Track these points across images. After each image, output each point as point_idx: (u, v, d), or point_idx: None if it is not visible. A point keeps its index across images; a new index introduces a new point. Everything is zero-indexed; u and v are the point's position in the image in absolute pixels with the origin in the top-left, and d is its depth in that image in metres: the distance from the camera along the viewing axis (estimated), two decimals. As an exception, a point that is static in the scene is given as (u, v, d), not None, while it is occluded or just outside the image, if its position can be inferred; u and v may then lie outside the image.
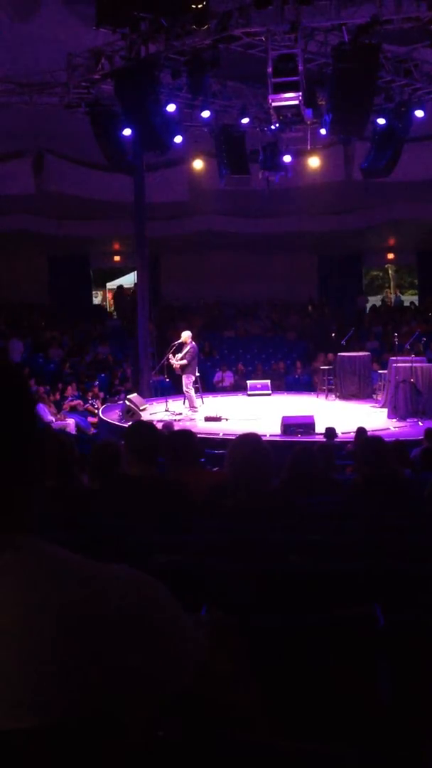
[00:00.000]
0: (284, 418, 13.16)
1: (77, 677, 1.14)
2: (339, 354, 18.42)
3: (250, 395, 18.95)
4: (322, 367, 19.05)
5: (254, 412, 15.71)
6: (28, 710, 1.12)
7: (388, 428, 13.52)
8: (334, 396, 18.02)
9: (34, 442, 1.28)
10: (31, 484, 1.27)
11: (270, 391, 19.15)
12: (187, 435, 5.41)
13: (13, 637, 1.13)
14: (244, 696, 1.36)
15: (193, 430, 12.95)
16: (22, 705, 1.12)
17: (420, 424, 13.85)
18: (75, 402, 18.42)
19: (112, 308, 29.90)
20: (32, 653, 1.13)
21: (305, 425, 12.93)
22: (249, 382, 19.69)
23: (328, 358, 19.47)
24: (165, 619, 1.26)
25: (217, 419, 14.72)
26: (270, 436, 12.02)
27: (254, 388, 19.24)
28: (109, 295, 31.64)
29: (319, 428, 12.50)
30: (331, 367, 18.56)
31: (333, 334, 20.24)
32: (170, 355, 15.61)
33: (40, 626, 1.14)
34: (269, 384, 19.43)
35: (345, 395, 17.80)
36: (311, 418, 13.14)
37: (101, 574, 1.23)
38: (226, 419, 14.77)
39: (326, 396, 18.14)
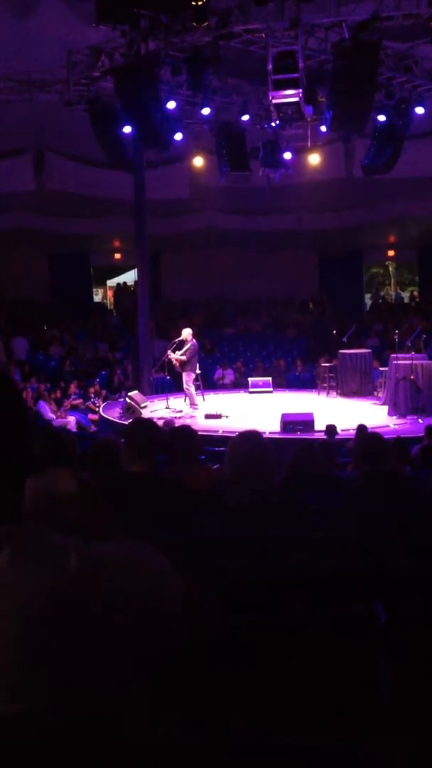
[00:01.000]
0: (284, 416, 13.16)
1: (77, 656, 1.14)
2: (340, 351, 18.39)
3: (251, 392, 18.93)
4: (323, 365, 19.03)
5: (254, 410, 15.72)
6: (32, 695, 1.12)
7: (388, 425, 13.52)
8: (335, 393, 18.01)
9: (26, 435, 1.30)
10: (28, 475, 1.29)
11: (271, 389, 19.13)
12: (187, 432, 5.40)
13: (12, 620, 1.14)
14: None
15: (194, 427, 12.98)
16: (19, 689, 1.12)
17: (420, 421, 13.84)
18: (77, 401, 18.43)
19: (113, 305, 29.90)
20: (36, 636, 1.13)
21: (305, 422, 12.92)
22: (250, 380, 19.67)
23: (331, 362, 19.40)
24: (168, 593, 1.27)
25: (217, 416, 14.73)
26: (269, 433, 12.02)
27: (256, 385, 19.22)
28: (109, 293, 31.61)
29: (320, 425, 12.49)
30: (332, 364, 18.54)
31: (334, 331, 20.22)
32: (170, 352, 15.63)
33: (39, 608, 1.15)
34: (271, 381, 19.41)
35: (346, 392, 17.79)
36: (311, 415, 13.14)
37: (102, 553, 1.24)
38: (226, 416, 14.77)
39: (327, 393, 18.13)
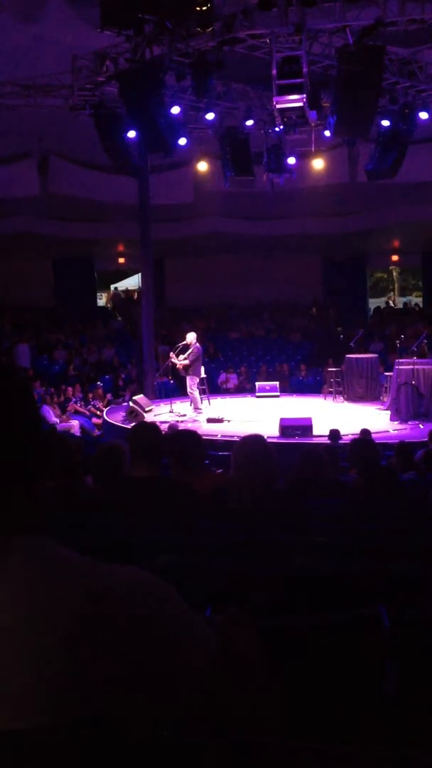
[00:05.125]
0: (282, 420, 13.14)
1: (85, 677, 1.14)
2: (347, 356, 18.37)
3: (258, 397, 18.87)
4: (329, 369, 18.99)
5: (258, 414, 15.69)
6: (35, 710, 1.12)
7: (388, 431, 13.50)
8: (341, 398, 17.97)
9: (39, 443, 1.28)
10: (39, 486, 1.27)
11: (278, 393, 19.05)
12: (191, 436, 5.40)
13: (23, 637, 1.14)
14: (261, 693, 1.36)
15: (197, 431, 13.00)
16: (30, 705, 1.12)
17: (421, 426, 13.83)
18: (77, 405, 18.46)
19: (110, 307, 29.88)
20: (41, 653, 1.13)
21: (303, 427, 12.90)
22: (257, 384, 19.57)
23: (337, 367, 19.32)
24: (174, 620, 1.26)
25: (219, 420, 14.73)
26: (268, 437, 11.98)
27: (263, 389, 19.11)
28: (105, 297, 31.57)
29: (324, 430, 12.47)
30: (339, 369, 18.49)
31: (341, 336, 20.20)
32: (173, 355, 15.63)
33: (50, 627, 1.14)
34: (278, 386, 19.32)
35: (352, 397, 17.74)
36: (309, 420, 13.11)
37: (110, 575, 1.24)
38: (228, 421, 14.77)
39: (334, 398, 18.09)
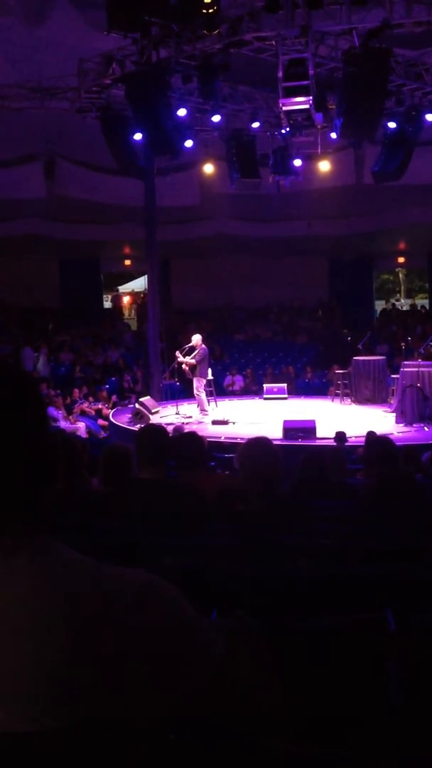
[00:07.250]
0: (285, 422, 13.10)
1: (90, 677, 1.14)
2: (354, 358, 18.32)
3: (266, 399, 18.83)
4: (337, 371, 18.94)
5: (264, 416, 15.66)
6: (40, 711, 1.12)
7: (392, 433, 13.44)
8: (349, 400, 17.92)
9: (47, 445, 1.29)
10: (46, 488, 1.28)
11: (286, 395, 19.00)
12: (191, 438, 5.40)
13: (29, 637, 1.14)
14: (267, 696, 1.36)
15: (202, 433, 12.99)
16: (35, 705, 1.13)
17: (426, 429, 13.79)
18: (84, 405, 18.47)
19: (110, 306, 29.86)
20: (47, 653, 1.14)
21: (306, 429, 12.85)
22: (265, 386, 19.53)
23: (344, 369, 19.26)
24: (179, 622, 1.26)
25: (224, 422, 14.72)
26: (273, 440, 11.93)
27: (270, 391, 19.04)
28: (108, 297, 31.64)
29: (331, 432, 12.44)
30: (346, 371, 18.43)
31: (349, 338, 20.14)
32: (179, 355, 15.62)
33: (55, 626, 1.15)
34: (285, 388, 19.27)
35: (360, 399, 17.69)
36: (312, 422, 13.07)
37: (116, 577, 1.24)
38: (233, 423, 14.75)
39: (341, 400, 18.04)
